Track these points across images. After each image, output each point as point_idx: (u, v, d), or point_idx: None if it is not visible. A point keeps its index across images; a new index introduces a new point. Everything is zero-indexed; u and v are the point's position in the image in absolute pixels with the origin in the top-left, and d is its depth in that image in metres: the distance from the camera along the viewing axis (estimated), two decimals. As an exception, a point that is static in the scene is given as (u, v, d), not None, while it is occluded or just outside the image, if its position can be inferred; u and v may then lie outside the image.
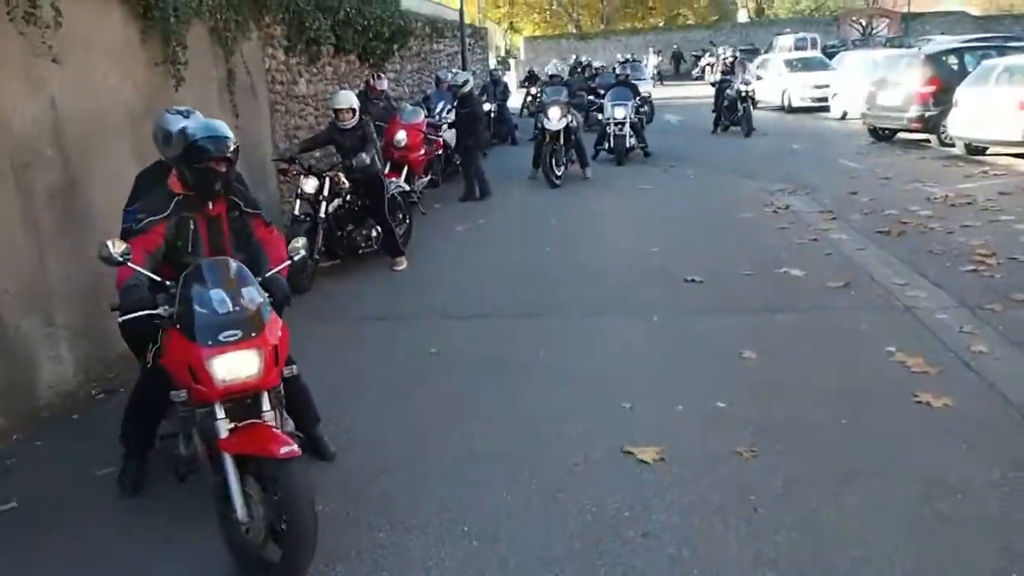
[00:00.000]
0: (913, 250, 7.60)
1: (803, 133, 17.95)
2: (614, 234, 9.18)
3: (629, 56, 25.43)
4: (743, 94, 17.11)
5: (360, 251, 7.90)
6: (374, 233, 7.96)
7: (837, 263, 7.33)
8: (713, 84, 18.82)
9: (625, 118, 13.96)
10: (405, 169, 10.44)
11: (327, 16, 10.32)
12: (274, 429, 3.23)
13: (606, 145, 14.32)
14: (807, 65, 23.19)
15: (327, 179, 7.47)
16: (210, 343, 3.09)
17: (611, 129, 14.06)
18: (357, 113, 7.77)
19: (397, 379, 5.29)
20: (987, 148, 12.96)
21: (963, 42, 18.63)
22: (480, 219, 10.33)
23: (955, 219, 8.73)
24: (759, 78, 21.54)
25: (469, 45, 23.93)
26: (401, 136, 10.25)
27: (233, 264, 3.39)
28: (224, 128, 3.60)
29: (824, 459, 3.91)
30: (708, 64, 38.98)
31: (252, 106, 8.41)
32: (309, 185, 7.45)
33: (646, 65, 24.86)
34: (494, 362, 5.47)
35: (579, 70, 23.36)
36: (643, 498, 3.66)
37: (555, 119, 11.93)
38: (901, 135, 15.39)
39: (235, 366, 3.12)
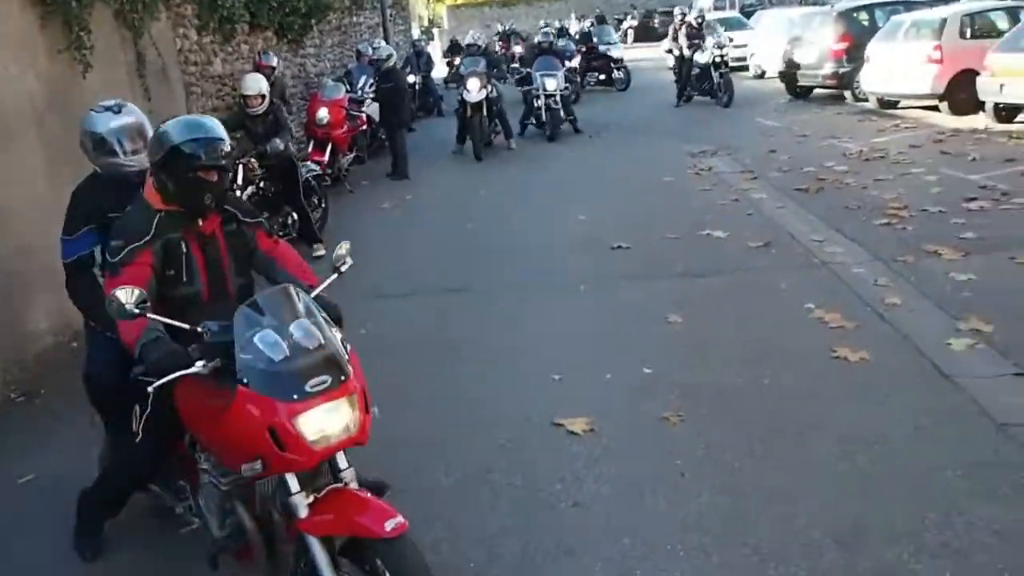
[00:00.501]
0: (830, 206, 7.81)
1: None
2: (541, 204, 9.20)
3: (555, 22, 25.22)
4: (719, 60, 15.14)
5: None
6: (290, 220, 7.73)
7: (758, 223, 7.49)
8: (670, 51, 16.87)
9: (556, 90, 12.95)
10: (329, 147, 10.29)
11: (239, -7, 10.03)
12: (364, 495, 2.58)
13: (534, 119, 13.51)
14: (726, 25, 23.38)
15: (240, 166, 7.09)
16: (296, 397, 2.39)
17: (541, 102, 13.05)
18: (267, 97, 7.50)
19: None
20: (899, 102, 13.33)
21: (872, -2, 19.04)
22: (408, 195, 10.25)
23: (869, 173, 8.98)
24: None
25: (391, 16, 23.48)
26: (323, 113, 10.08)
27: (293, 292, 2.67)
28: (215, 127, 2.90)
29: (747, 421, 4.02)
30: (630, 27, 39.17)
31: (165, 89, 8.16)
32: None
33: (575, 30, 24.14)
34: (424, 341, 5.47)
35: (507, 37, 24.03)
36: (574, 470, 3.72)
37: (474, 91, 11.83)
38: (817, 92, 15.72)
39: (331, 421, 2.48)
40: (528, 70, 13.56)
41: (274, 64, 10.91)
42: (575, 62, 17.64)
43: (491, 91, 12.15)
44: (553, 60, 13.37)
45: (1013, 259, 5.89)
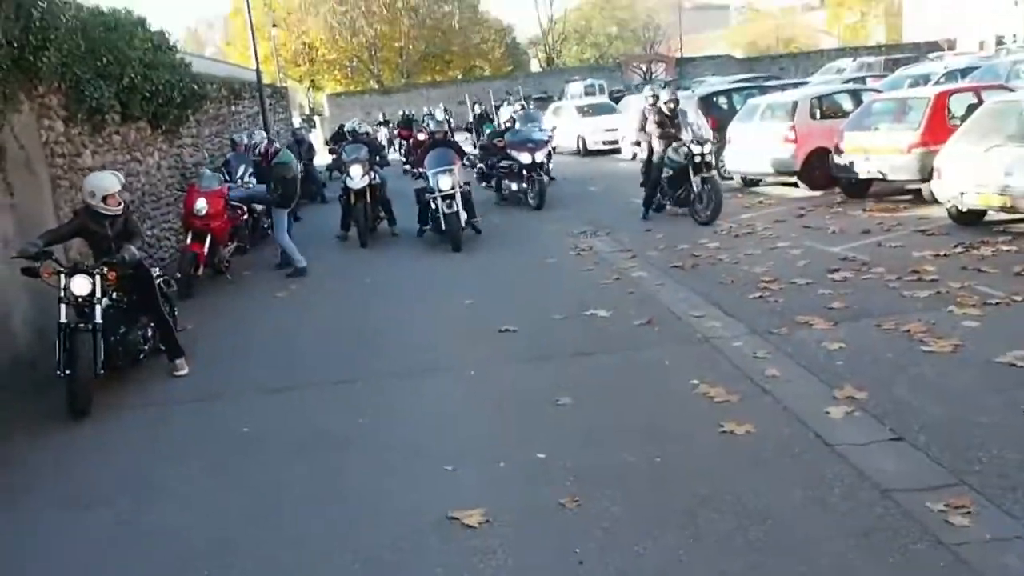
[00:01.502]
0: (706, 282, 8.09)
1: (599, 175, 18.79)
2: (427, 290, 9.16)
3: (437, 109, 25.50)
4: (700, 159, 11.11)
5: (142, 355, 6.86)
6: (150, 332, 6.97)
7: (639, 300, 7.67)
8: (637, 144, 12.97)
9: (454, 188, 10.96)
10: (208, 238, 10.01)
11: (109, 83, 9.76)
12: None
13: (431, 224, 11.52)
14: (597, 110, 24.44)
15: (98, 276, 6.28)
16: None
17: (439, 204, 10.99)
18: (121, 197, 6.70)
19: (207, 465, 4.98)
20: (760, 180, 14.11)
21: (730, 83, 20.32)
22: (292, 284, 10.05)
23: (739, 249, 9.39)
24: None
25: (270, 105, 23.44)
26: (201, 204, 9.82)
27: None
28: None
29: (642, 501, 4.02)
30: (514, 114, 40.27)
31: (30, 182, 7.78)
32: (80, 286, 6.16)
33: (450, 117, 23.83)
34: (311, 436, 5.28)
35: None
36: (470, 565, 3.60)
37: (357, 177, 11.81)
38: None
39: None
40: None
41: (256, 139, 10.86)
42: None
43: (374, 178, 12.13)
44: (448, 153, 11.57)
45: (879, 326, 6.22)
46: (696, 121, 11.76)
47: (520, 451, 4.68)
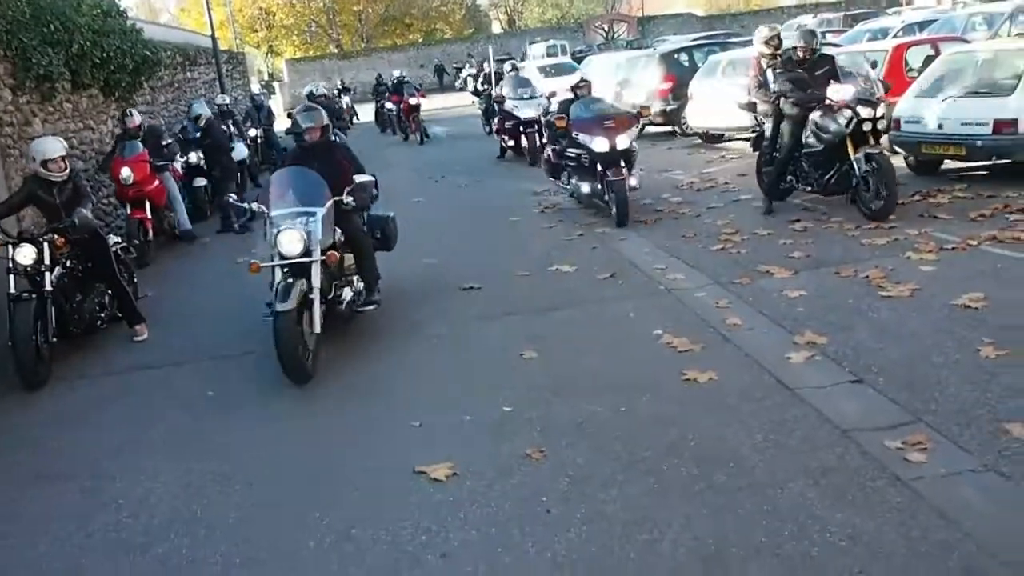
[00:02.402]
0: (669, 235, 8.13)
1: (563, 134, 18.70)
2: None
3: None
4: (871, 125, 7.68)
5: (99, 323, 6.79)
6: (107, 300, 6.87)
7: (603, 255, 7.69)
8: (751, 108, 9.14)
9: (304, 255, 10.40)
10: (148, 204, 9.84)
11: (58, 51, 9.51)
12: None
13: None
14: (559, 71, 24.31)
15: (45, 244, 6.15)
16: None
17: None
18: (67, 163, 6.56)
19: (171, 432, 4.93)
20: (723, 135, 14.14)
21: (691, 41, 20.25)
22: (253, 248, 9.90)
23: (702, 202, 9.44)
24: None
25: (227, 71, 23.04)
26: (127, 173, 9.59)
27: None
28: None
29: (607, 450, 4.05)
30: (469, 75, 39.96)
31: (-25, 153, 7.59)
32: (25, 255, 6.04)
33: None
34: (275, 397, 5.24)
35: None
36: (439, 518, 3.62)
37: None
38: (649, 129, 16.42)
39: None
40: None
41: (138, 122, 10.41)
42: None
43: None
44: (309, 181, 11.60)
45: (838, 273, 6.29)
46: (861, 71, 8.43)
47: (486, 405, 4.69)
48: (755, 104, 8.98)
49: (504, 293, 6.86)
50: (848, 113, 7.63)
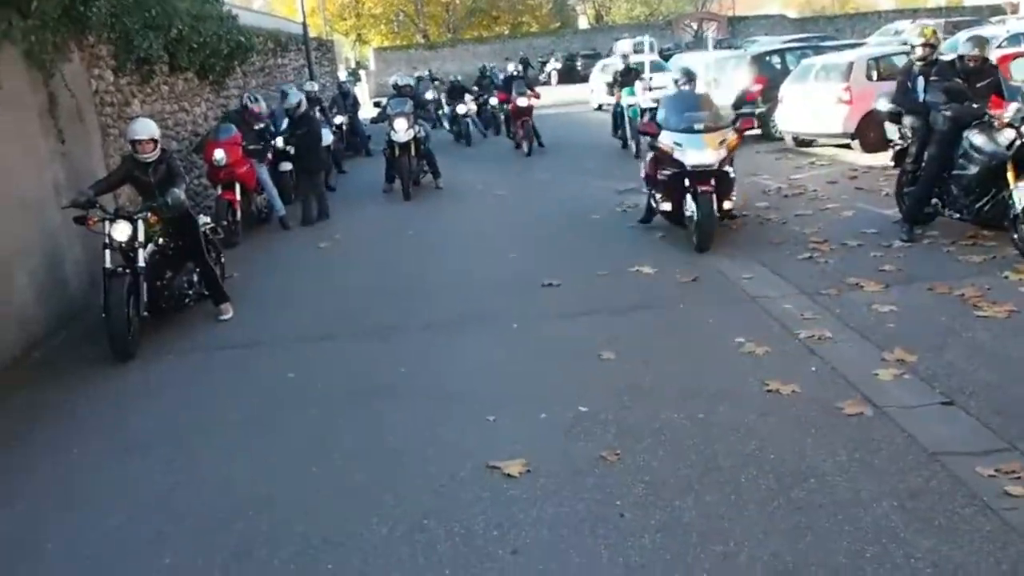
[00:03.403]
0: (754, 241, 7.96)
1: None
2: (471, 243, 9.17)
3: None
4: None
5: (187, 301, 6.99)
6: (195, 278, 7.07)
7: (685, 258, 7.57)
8: (894, 119, 8.20)
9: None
10: (238, 187, 10.09)
11: (158, 34, 9.81)
12: None
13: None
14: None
15: (139, 222, 6.39)
16: None
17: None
18: (159, 143, 6.75)
19: (251, 412, 5.06)
20: (813, 140, 13.79)
21: (783, 43, 19.80)
22: (336, 235, 10.13)
23: (789, 209, 9.21)
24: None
25: (316, 58, 23.49)
26: (220, 155, 9.83)
27: None
28: None
29: (684, 457, 3.99)
30: (554, 69, 39.92)
31: (80, 131, 7.88)
32: (121, 232, 6.28)
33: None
34: (355, 384, 5.33)
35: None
36: (511, 515, 3.62)
37: (401, 131, 11.83)
38: (736, 132, 16.14)
39: None
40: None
41: (261, 109, 10.76)
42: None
43: (419, 131, 12.19)
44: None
45: (931, 290, 6.07)
46: None
47: (561, 403, 4.67)
48: (900, 114, 8.00)
49: (583, 292, 6.83)
50: (1011, 133, 6.65)
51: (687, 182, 7.66)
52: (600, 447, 4.13)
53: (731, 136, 7.92)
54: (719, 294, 6.50)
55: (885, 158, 11.63)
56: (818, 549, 3.21)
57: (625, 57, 16.31)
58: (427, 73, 26.60)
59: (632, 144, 14.10)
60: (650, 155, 8.56)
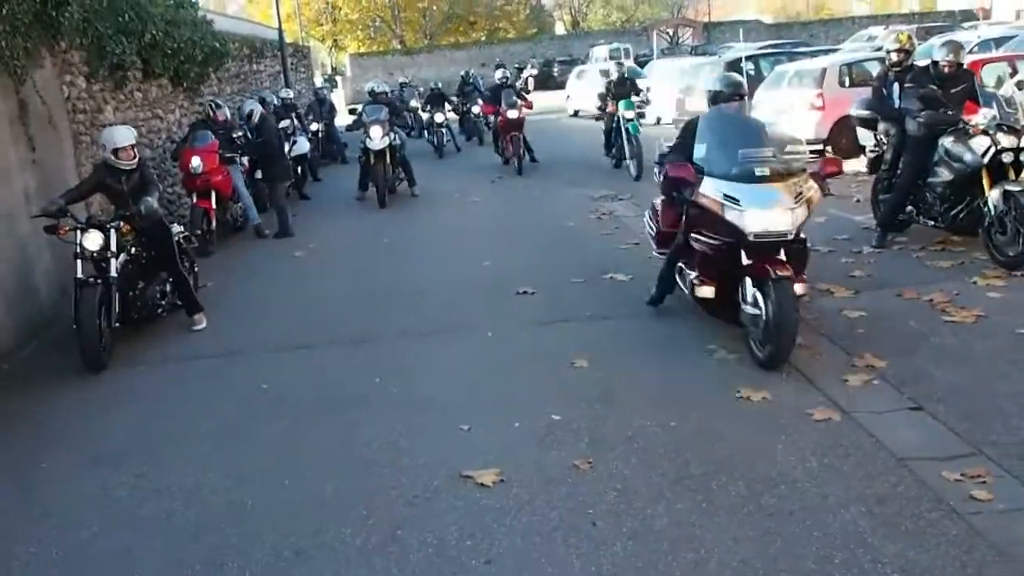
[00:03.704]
0: (728, 249, 8.00)
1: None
2: (445, 251, 9.17)
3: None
4: (1013, 157, 6.68)
5: (160, 311, 6.91)
6: (168, 288, 7.00)
7: (659, 266, 7.58)
8: (867, 126, 8.46)
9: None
10: (214, 195, 10.03)
11: (131, 40, 9.74)
12: None
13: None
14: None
15: (111, 231, 6.34)
16: None
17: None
18: (136, 151, 6.70)
19: (224, 422, 5.03)
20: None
21: (758, 49, 19.97)
22: (311, 243, 10.08)
23: (763, 216, 9.26)
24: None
25: (292, 64, 23.42)
26: (196, 163, 9.77)
27: None
28: None
29: (655, 464, 4.02)
30: (530, 75, 40.00)
31: (51, 138, 7.81)
32: (93, 241, 6.22)
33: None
34: (329, 394, 5.31)
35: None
36: (484, 524, 3.62)
37: (377, 138, 11.75)
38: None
39: None
40: None
41: (226, 116, 10.67)
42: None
43: (394, 139, 12.13)
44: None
45: (900, 295, 6.15)
46: (1007, 93, 6.88)
47: (535, 411, 4.69)
48: (875, 120, 8.00)
49: (557, 299, 6.85)
50: (985, 141, 6.64)
51: (745, 257, 5.12)
52: (573, 456, 4.15)
53: (811, 189, 5.26)
54: (691, 302, 6.52)
55: (857, 164, 11.84)
56: (787, 555, 3.24)
57: (620, 65, 15.06)
58: (409, 79, 26.17)
59: (631, 165, 12.63)
60: (659, 200, 6.57)
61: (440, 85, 19.95)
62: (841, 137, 12.40)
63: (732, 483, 3.79)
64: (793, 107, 12.99)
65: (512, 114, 14.26)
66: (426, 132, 19.32)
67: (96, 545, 3.78)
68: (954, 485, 3.60)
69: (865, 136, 10.98)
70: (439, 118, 17.83)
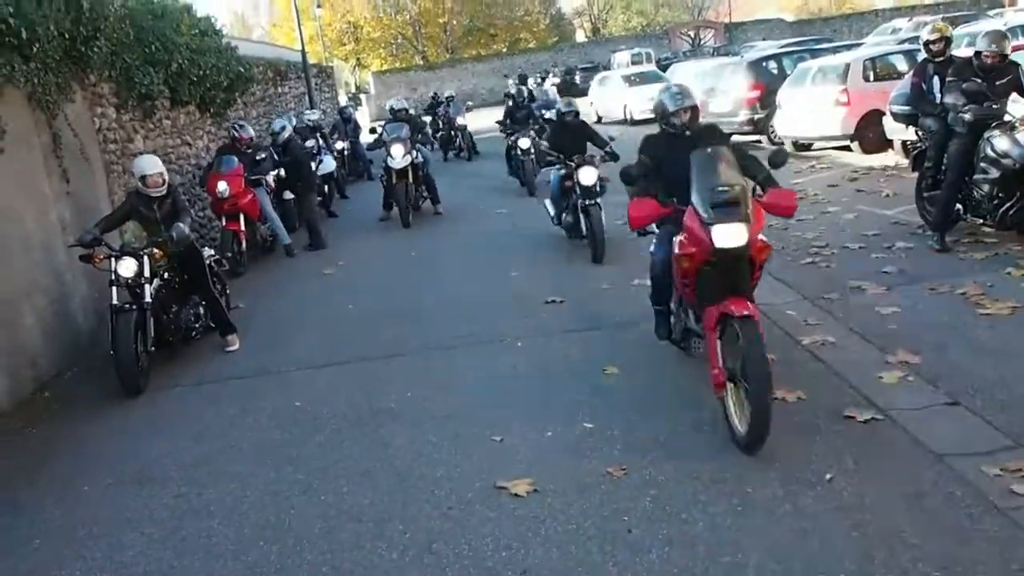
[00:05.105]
0: (756, 249, 7.95)
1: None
2: (473, 264, 9.20)
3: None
4: None
5: (194, 333, 7.09)
6: (201, 311, 7.17)
7: (688, 270, 7.57)
8: (911, 121, 8.18)
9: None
10: (242, 217, 10.17)
11: (158, 70, 9.95)
12: None
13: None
14: (644, 79, 24.12)
15: (145, 257, 6.48)
16: None
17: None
18: (166, 178, 6.91)
19: (259, 441, 5.09)
20: (812, 144, 13.81)
21: (780, 48, 19.85)
22: (340, 261, 10.18)
23: (791, 215, 9.20)
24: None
25: (316, 85, 23.70)
26: (223, 187, 9.91)
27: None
28: None
29: (690, 469, 4.00)
30: (553, 84, 40.06)
31: (84, 170, 7.97)
32: (127, 268, 6.36)
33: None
34: (362, 409, 5.36)
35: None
36: (519, 534, 3.63)
37: (399, 156, 11.64)
38: (735, 138, 16.16)
39: None
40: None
41: (250, 135, 10.82)
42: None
43: (416, 156, 11.98)
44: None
45: (933, 290, 6.07)
46: None
47: (567, 420, 4.70)
48: (915, 116, 7.78)
49: (586, 307, 6.86)
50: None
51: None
52: (607, 463, 4.14)
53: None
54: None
55: (885, 159, 11.75)
56: (826, 556, 3.21)
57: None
58: (454, 94, 22.77)
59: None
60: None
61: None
62: (868, 131, 12.30)
63: (768, 485, 3.77)
64: (818, 104, 12.89)
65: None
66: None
67: (139, 565, 3.84)
68: (994, 480, 3.54)
69: (894, 130, 10.89)
70: (524, 143, 13.43)
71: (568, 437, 4.52)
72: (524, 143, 13.25)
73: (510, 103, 15.73)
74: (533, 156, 12.87)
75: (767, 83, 15.06)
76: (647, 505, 3.74)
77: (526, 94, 16.60)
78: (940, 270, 6.52)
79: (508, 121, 15.19)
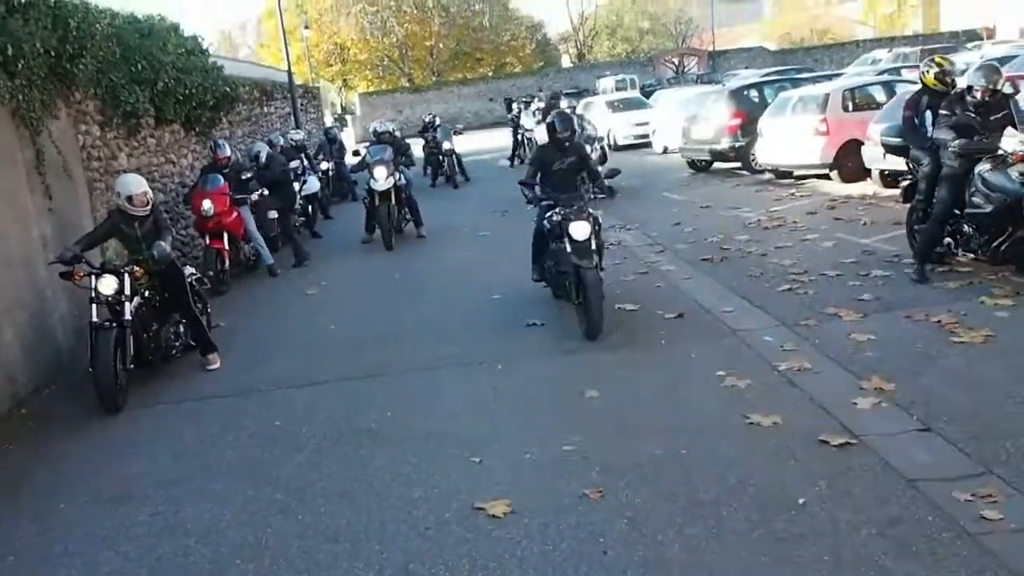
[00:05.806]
0: (735, 274, 8.06)
1: (629, 169, 18.57)
2: (455, 285, 9.23)
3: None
4: None
5: (174, 352, 7.06)
6: (181, 329, 7.16)
7: (668, 294, 7.66)
8: (899, 152, 8.18)
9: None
10: (225, 235, 10.18)
11: (144, 88, 9.96)
12: None
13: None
14: (627, 105, 24.36)
15: (126, 275, 6.44)
16: None
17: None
18: (151, 197, 6.89)
19: (238, 460, 5.08)
20: (792, 172, 14.00)
21: (761, 76, 20.13)
22: (323, 281, 10.18)
23: (769, 241, 9.34)
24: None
25: (302, 105, 23.77)
26: (207, 205, 9.92)
27: None
28: None
29: (666, 492, 4.04)
30: (537, 108, 40.26)
31: (67, 186, 7.96)
32: (107, 285, 6.32)
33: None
34: (341, 429, 5.36)
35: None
36: (495, 555, 3.65)
37: (381, 179, 11.65)
38: (717, 165, 16.37)
39: None
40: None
41: (228, 154, 10.80)
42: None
43: (399, 179, 11.99)
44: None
45: (908, 317, 6.16)
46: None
47: (546, 442, 4.72)
48: (906, 148, 7.79)
49: (567, 330, 6.88)
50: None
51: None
52: (584, 485, 4.18)
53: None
54: (701, 328, 6.58)
55: (864, 187, 11.93)
56: (799, 579, 3.25)
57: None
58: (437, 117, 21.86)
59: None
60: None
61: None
62: (847, 161, 12.49)
63: (743, 509, 3.81)
64: (798, 133, 13.09)
65: (579, 232, 6.82)
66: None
67: (114, 585, 3.83)
68: (965, 505, 3.60)
69: (872, 159, 11.08)
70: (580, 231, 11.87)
71: (546, 459, 4.54)
72: (580, 230, 6.76)
73: (527, 134, 13.63)
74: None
75: (748, 111, 15.26)
76: (623, 527, 3.77)
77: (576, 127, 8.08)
78: (915, 298, 6.62)
79: (537, 173, 7.58)
